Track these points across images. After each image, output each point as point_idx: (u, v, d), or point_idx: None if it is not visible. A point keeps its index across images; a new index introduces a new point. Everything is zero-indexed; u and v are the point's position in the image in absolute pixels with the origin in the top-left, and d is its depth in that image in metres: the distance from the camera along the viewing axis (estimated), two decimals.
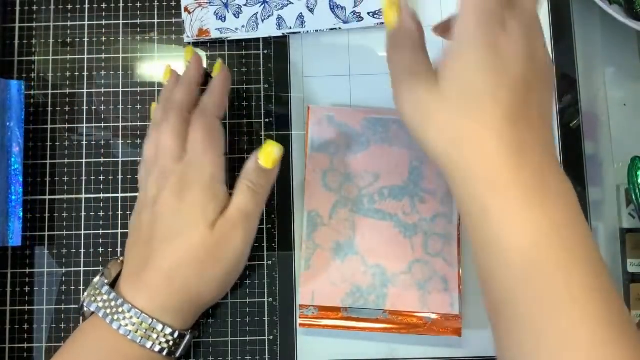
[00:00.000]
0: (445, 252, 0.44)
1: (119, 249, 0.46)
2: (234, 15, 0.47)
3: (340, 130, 0.46)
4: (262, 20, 0.47)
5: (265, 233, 0.46)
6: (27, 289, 0.45)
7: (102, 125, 0.47)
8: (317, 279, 0.44)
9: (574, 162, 0.46)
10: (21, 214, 0.43)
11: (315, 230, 0.44)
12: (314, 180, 0.45)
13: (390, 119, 0.46)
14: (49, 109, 0.47)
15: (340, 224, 0.44)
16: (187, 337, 0.40)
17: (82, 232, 0.46)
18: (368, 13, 0.47)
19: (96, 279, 0.40)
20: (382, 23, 0.47)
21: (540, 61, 0.33)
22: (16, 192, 0.43)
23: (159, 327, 0.38)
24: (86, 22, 0.48)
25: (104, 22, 0.48)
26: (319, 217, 0.45)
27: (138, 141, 0.47)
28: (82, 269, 0.45)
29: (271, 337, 0.45)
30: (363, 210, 0.45)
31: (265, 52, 0.48)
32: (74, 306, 0.45)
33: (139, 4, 0.48)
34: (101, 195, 0.46)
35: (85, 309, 0.40)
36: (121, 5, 0.48)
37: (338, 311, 0.43)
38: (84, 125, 0.47)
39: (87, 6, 0.48)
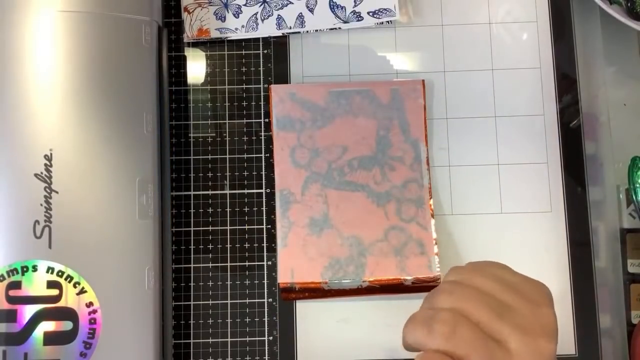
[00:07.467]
0: (419, 216, 0.44)
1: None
2: (234, 15, 0.47)
3: (304, 106, 0.46)
4: (262, 20, 0.47)
5: (265, 233, 0.46)
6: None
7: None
8: (294, 255, 0.44)
9: (574, 162, 0.46)
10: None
11: (289, 208, 0.45)
12: (283, 158, 0.45)
13: (353, 91, 0.46)
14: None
15: (313, 200, 0.45)
16: None
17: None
18: (368, 13, 0.47)
19: None
20: (381, 23, 0.47)
21: None
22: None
23: None
24: None
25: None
26: (291, 195, 0.45)
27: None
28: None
29: (271, 337, 0.44)
30: (334, 183, 0.45)
31: (265, 52, 0.48)
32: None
33: None
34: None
35: None
36: None
37: (318, 286, 0.44)
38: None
39: None
